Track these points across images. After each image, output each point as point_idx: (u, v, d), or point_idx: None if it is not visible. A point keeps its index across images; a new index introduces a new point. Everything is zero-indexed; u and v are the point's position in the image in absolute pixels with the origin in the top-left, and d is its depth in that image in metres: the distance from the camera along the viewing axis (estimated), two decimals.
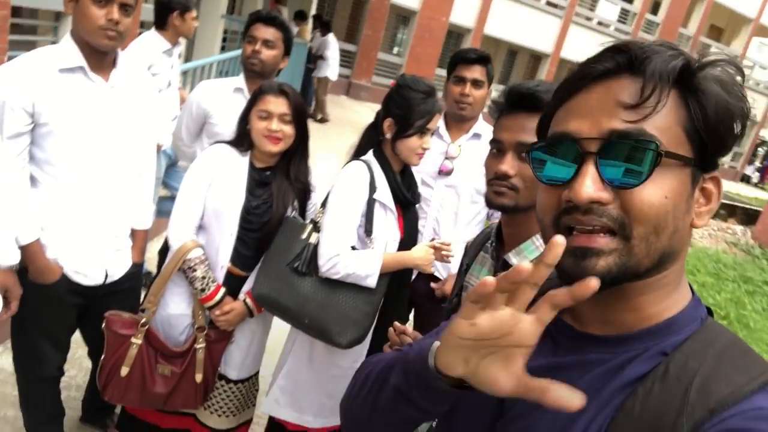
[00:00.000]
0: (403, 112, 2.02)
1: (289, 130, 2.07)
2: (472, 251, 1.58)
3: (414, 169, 2.23)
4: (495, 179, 1.33)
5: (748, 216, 12.56)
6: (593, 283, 0.58)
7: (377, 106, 2.22)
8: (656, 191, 0.65)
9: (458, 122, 2.57)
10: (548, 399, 0.59)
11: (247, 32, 2.58)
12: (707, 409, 0.59)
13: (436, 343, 0.71)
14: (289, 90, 2.10)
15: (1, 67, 1.78)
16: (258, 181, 2.13)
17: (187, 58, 7.39)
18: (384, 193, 2.06)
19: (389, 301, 2.13)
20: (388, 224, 2.09)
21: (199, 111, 2.61)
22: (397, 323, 1.43)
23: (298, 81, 9.05)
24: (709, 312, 0.74)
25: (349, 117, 12.11)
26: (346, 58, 15.39)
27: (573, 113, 0.70)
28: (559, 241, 0.58)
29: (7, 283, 1.71)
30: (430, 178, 2.54)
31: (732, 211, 12.61)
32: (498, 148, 1.34)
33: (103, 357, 2.10)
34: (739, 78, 0.68)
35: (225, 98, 2.56)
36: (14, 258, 1.70)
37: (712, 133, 0.67)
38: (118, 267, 2.12)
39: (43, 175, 1.84)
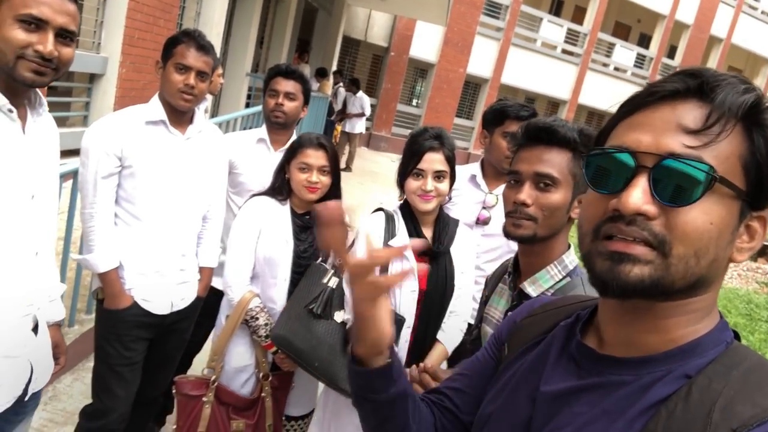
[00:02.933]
0: (401, 161, 2.10)
1: (326, 180, 2.20)
2: (491, 283, 1.59)
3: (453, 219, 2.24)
4: (513, 210, 1.35)
5: None
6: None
7: (397, 157, 2.28)
8: (703, 216, 0.65)
9: (498, 173, 2.55)
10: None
11: (268, 86, 2.68)
12: (730, 428, 0.59)
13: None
14: (326, 142, 2.22)
15: (98, 120, 2.10)
16: (301, 226, 2.24)
17: (214, 113, 7.66)
18: (401, 241, 2.06)
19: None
20: None
21: None
22: (427, 364, 1.41)
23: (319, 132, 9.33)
24: (737, 336, 0.73)
25: (370, 167, 12.32)
26: None
27: (634, 127, 0.70)
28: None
29: (56, 339, 1.79)
30: (468, 228, 2.50)
31: (761, 251, 12.33)
32: (516, 179, 1.38)
33: (175, 426, 2.15)
34: None
35: (249, 149, 2.66)
36: (61, 314, 1.80)
37: None
38: (182, 298, 2.26)
39: (122, 212, 2.09)
